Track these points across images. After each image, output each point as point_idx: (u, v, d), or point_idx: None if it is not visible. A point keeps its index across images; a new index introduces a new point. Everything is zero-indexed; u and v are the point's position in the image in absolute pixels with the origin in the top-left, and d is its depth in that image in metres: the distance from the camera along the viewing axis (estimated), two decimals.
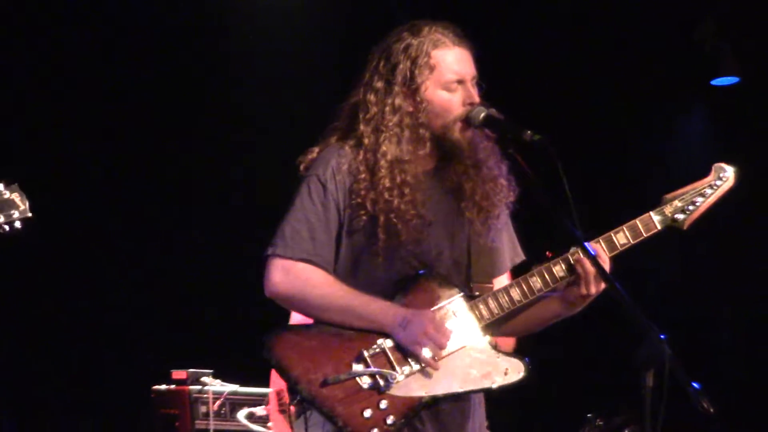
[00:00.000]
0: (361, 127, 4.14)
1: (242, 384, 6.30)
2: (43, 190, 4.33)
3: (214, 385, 6.27)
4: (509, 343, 4.74)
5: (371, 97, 4.15)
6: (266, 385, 6.06)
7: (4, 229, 4.03)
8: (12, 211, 4.04)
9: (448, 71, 4.14)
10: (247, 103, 7.60)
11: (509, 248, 4.35)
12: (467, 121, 4.13)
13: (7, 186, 4.06)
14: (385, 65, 4.16)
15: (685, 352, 3.67)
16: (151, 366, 6.66)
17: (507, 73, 7.41)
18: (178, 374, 6.29)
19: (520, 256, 4.37)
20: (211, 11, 7.39)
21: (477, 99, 4.14)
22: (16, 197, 4.03)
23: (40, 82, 7.14)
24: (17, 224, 4.05)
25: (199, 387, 6.24)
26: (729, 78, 8.17)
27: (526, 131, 3.96)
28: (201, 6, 7.35)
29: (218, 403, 6.20)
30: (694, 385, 3.56)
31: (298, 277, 4.05)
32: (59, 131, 7.19)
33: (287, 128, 7.16)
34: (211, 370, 6.32)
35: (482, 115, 4.11)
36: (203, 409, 6.21)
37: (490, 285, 4.20)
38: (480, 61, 4.22)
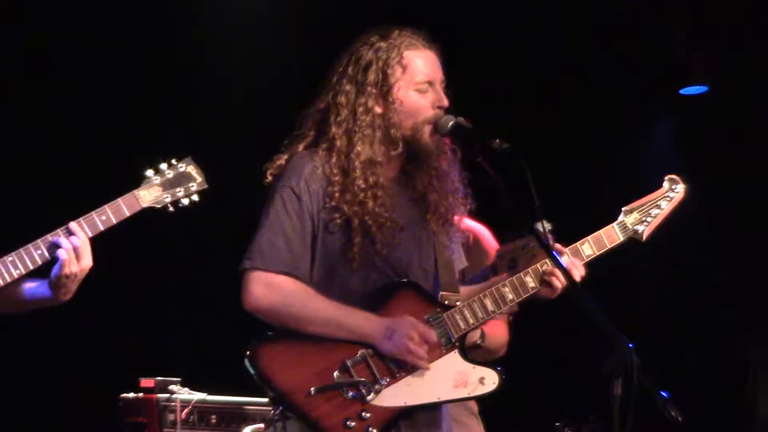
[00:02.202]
0: (333, 129, 4.13)
1: (210, 392, 6.27)
2: None
3: (182, 394, 6.23)
4: (502, 330, 4.78)
5: (342, 99, 4.14)
6: (234, 393, 6.06)
7: (183, 203, 4.02)
8: (190, 184, 4.04)
9: (419, 72, 4.15)
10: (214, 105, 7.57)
11: (459, 261, 4.38)
12: (436, 128, 4.14)
13: (180, 160, 4.04)
14: (355, 68, 4.16)
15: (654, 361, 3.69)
16: (119, 374, 6.61)
17: (477, 81, 7.45)
18: (146, 382, 6.25)
19: (464, 263, 4.41)
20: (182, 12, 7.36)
21: (446, 102, 4.15)
22: (192, 170, 4.03)
23: None
24: (195, 197, 4.04)
25: (167, 395, 6.20)
26: (698, 87, 8.20)
27: (494, 140, 3.98)
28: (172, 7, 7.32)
29: (186, 411, 6.16)
30: (663, 393, 3.58)
31: (279, 290, 4.01)
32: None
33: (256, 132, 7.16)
34: (179, 379, 6.29)
35: (451, 123, 4.13)
36: (171, 417, 6.17)
37: (458, 294, 4.21)
38: (450, 68, 4.23)
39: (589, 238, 4.31)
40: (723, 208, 8.03)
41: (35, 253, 3.87)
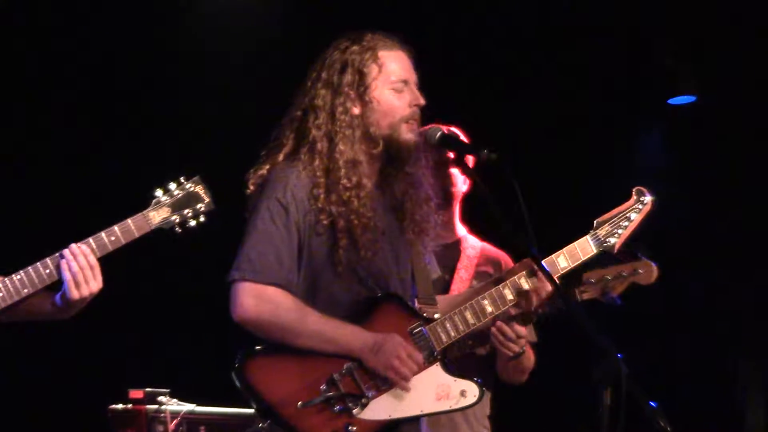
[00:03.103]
0: (313, 132, 4.12)
1: (199, 403, 6.26)
2: None
3: (171, 405, 6.23)
4: (532, 356, 4.79)
5: (319, 103, 4.14)
6: (223, 404, 6.05)
7: (190, 224, 4.01)
8: (198, 205, 4.02)
9: (395, 72, 4.16)
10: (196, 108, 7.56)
11: (432, 266, 4.40)
12: (424, 138, 4.16)
13: (189, 179, 4.03)
14: (330, 72, 4.16)
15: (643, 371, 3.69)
16: (108, 385, 6.60)
17: (462, 90, 7.47)
18: (135, 393, 6.25)
19: (437, 272, 4.42)
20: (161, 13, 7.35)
21: (423, 101, 4.16)
22: (200, 190, 4.01)
23: None
24: (202, 218, 4.03)
25: (156, 406, 6.20)
26: (686, 97, 8.22)
27: (482, 150, 3.98)
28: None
29: (175, 422, 6.16)
30: (651, 403, 3.58)
31: (270, 302, 3.99)
32: None
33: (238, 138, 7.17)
34: (167, 390, 6.29)
35: (438, 134, 4.14)
36: (160, 428, 6.17)
37: (436, 306, 4.22)
38: (440, 78, 4.25)
39: (564, 250, 4.34)
40: (711, 216, 8.05)
41: (44, 272, 3.86)
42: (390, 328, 4.05)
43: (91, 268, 3.88)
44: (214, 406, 6.20)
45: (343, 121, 4.11)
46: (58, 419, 7.29)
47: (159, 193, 3.99)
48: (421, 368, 4.06)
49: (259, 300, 3.98)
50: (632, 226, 4.44)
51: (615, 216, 4.44)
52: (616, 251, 4.42)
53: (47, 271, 3.86)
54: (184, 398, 6.30)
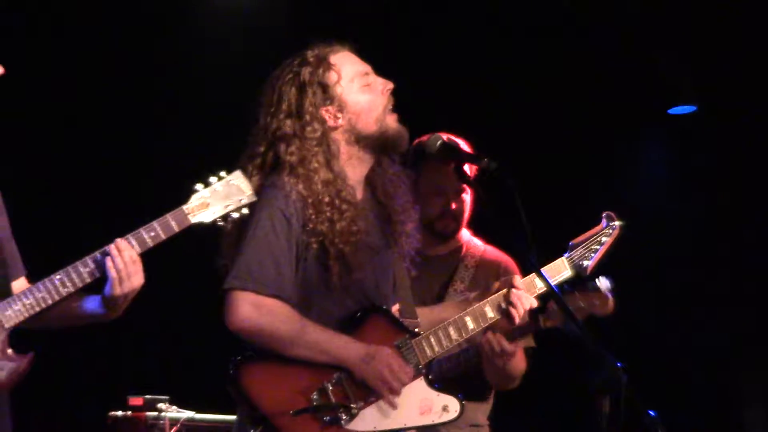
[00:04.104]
0: (287, 159, 4.07)
1: (198, 410, 6.27)
2: None
3: (171, 412, 6.23)
4: (521, 359, 4.80)
5: (287, 131, 4.09)
6: (222, 411, 6.05)
7: (233, 217, 3.96)
8: (240, 197, 3.95)
9: (354, 70, 4.16)
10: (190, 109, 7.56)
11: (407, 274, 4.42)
12: (424, 147, 4.17)
13: (230, 172, 3.98)
14: (288, 99, 4.12)
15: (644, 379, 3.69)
16: (108, 392, 6.61)
17: (466, 100, 7.47)
18: (135, 400, 6.25)
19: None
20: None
21: (391, 83, 4.15)
22: (241, 182, 3.96)
23: None
24: (245, 210, 3.98)
25: (155, 413, 6.20)
26: (686, 107, 8.23)
27: (482, 159, 3.99)
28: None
29: (174, 429, 6.17)
30: (650, 412, 3.58)
31: (268, 312, 3.96)
32: None
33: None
34: (167, 397, 6.29)
35: (438, 143, 4.14)
36: None
37: (417, 320, 4.23)
38: (443, 87, 4.25)
39: (541, 269, 4.37)
40: (712, 226, 8.05)
41: (84, 270, 3.84)
42: (377, 341, 4.05)
43: (133, 263, 3.86)
44: (214, 413, 6.20)
45: (313, 141, 4.08)
46: (58, 426, 7.29)
47: (199, 186, 3.95)
48: (410, 382, 4.07)
49: (257, 310, 3.96)
50: (602, 251, 4.52)
51: (587, 239, 4.51)
52: (588, 273, 4.51)
53: (87, 269, 3.84)
54: (183, 405, 6.30)
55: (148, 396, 6.27)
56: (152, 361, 7.40)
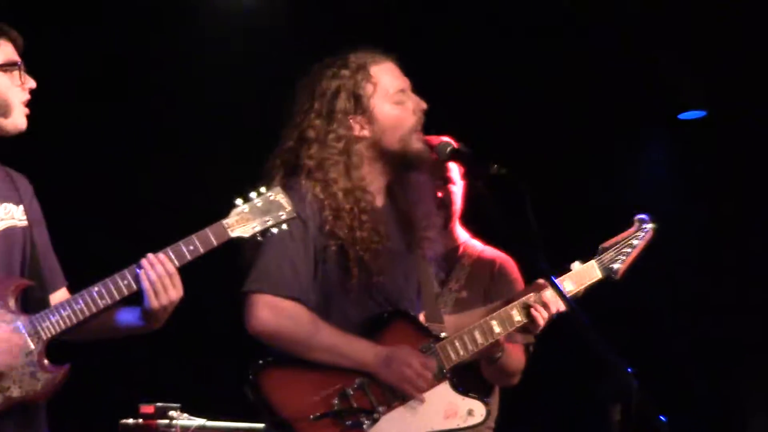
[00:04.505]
0: (305, 162, 4.11)
1: (210, 418, 6.27)
2: None
3: (182, 419, 6.23)
4: (519, 355, 4.79)
5: (311, 134, 4.12)
6: (234, 419, 6.06)
7: (272, 232, 3.96)
8: (280, 213, 3.94)
9: (391, 84, 4.16)
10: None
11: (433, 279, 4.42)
12: (434, 153, 4.17)
13: (269, 188, 3.99)
14: (321, 100, 4.15)
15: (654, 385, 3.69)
16: (119, 399, 6.61)
17: (471, 105, 7.47)
18: (146, 408, 6.25)
19: (435, 287, 4.44)
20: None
21: (425, 104, 4.17)
22: (281, 198, 3.96)
23: None
24: (284, 226, 3.98)
25: (166, 421, 6.20)
26: (696, 111, 8.22)
27: (492, 165, 3.99)
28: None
29: None
30: (662, 418, 3.58)
31: (286, 315, 3.98)
32: None
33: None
34: (178, 404, 6.29)
35: (449, 149, 4.15)
36: None
37: (443, 324, 4.23)
38: (447, 91, 4.25)
39: (569, 274, 4.40)
40: (721, 232, 8.05)
41: (122, 283, 3.85)
42: (401, 344, 4.06)
43: (170, 276, 3.86)
44: (225, 420, 6.20)
45: (334, 149, 4.11)
46: None
47: (239, 201, 3.97)
48: (433, 382, 4.07)
49: (275, 313, 3.98)
50: (634, 254, 4.52)
51: (618, 242, 4.53)
52: (619, 277, 4.50)
53: (125, 282, 3.85)
54: (195, 413, 6.31)
55: (159, 403, 6.27)
56: (164, 369, 7.41)
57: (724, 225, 8.01)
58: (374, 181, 4.17)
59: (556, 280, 4.25)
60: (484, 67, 7.61)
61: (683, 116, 8.30)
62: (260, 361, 4.01)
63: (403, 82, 4.21)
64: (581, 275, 4.43)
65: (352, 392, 3.97)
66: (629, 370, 3.62)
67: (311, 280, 4.05)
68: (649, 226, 4.57)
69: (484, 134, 4.86)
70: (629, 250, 4.52)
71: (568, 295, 4.28)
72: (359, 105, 4.13)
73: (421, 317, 4.25)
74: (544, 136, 7.95)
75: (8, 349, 3.77)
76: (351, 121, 4.12)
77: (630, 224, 4.57)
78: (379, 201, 4.19)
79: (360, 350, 4.00)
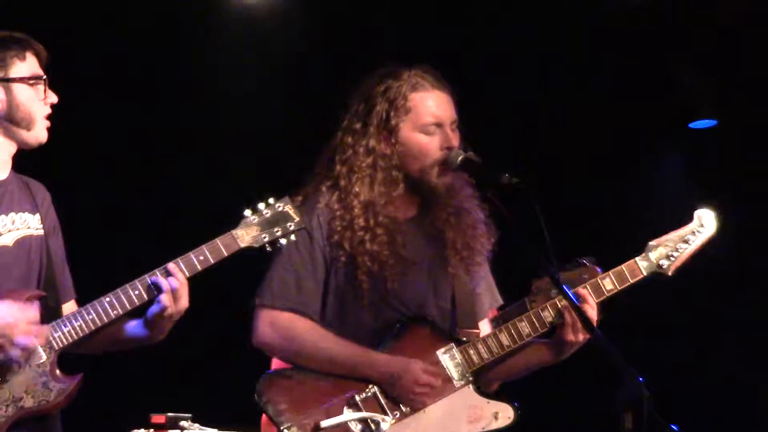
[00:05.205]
0: (337, 168, 4.17)
1: (221, 428, 6.26)
2: None
3: (193, 430, 6.22)
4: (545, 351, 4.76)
5: (348, 139, 4.18)
6: (245, 429, 6.03)
7: (281, 243, 4.00)
8: (288, 223, 4.00)
9: (426, 114, 4.17)
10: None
11: (488, 294, 4.39)
12: (446, 164, 4.17)
13: (278, 199, 4.04)
14: (364, 108, 4.20)
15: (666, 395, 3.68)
16: (129, 409, 6.61)
17: (484, 116, 7.46)
18: (157, 418, 6.23)
19: (498, 302, 4.41)
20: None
21: (455, 143, 4.17)
22: (289, 209, 4.01)
23: None
24: (293, 237, 4.02)
25: (177, 431, 6.20)
26: (707, 121, 8.21)
27: (504, 175, 4.00)
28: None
29: None
30: (673, 427, 3.57)
31: (284, 328, 4.05)
32: None
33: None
34: (189, 415, 6.28)
35: (460, 158, 4.16)
36: None
37: (477, 330, 4.22)
38: (461, 102, 4.25)
39: (610, 272, 4.33)
40: (733, 242, 8.02)
41: (133, 293, 3.89)
42: (419, 350, 4.08)
43: (181, 286, 3.89)
44: (237, 431, 6.20)
45: (364, 161, 4.15)
46: None
47: (248, 212, 3.99)
48: (450, 385, 4.06)
49: (274, 326, 4.07)
50: (691, 250, 4.41)
51: (672, 238, 4.41)
52: (670, 274, 4.39)
53: (136, 292, 3.89)
54: (206, 423, 6.30)
55: (170, 414, 6.26)
56: (175, 379, 7.41)
57: (745, 238, 7.98)
58: (402, 195, 4.17)
59: (598, 277, 4.23)
60: (496, 76, 7.61)
61: (694, 125, 8.26)
62: (269, 371, 4.03)
63: (443, 116, 4.21)
64: (623, 274, 4.34)
65: (362, 400, 3.98)
66: (641, 379, 3.61)
67: (318, 290, 4.09)
68: (712, 221, 4.45)
69: (496, 143, 4.85)
70: (684, 245, 4.40)
71: (608, 294, 4.25)
72: (388, 123, 4.14)
73: (483, 325, 4.19)
74: (555, 146, 7.94)
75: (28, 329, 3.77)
76: (380, 136, 4.13)
77: (685, 217, 4.45)
78: (407, 213, 4.20)
79: (362, 366, 4.03)
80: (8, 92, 3.98)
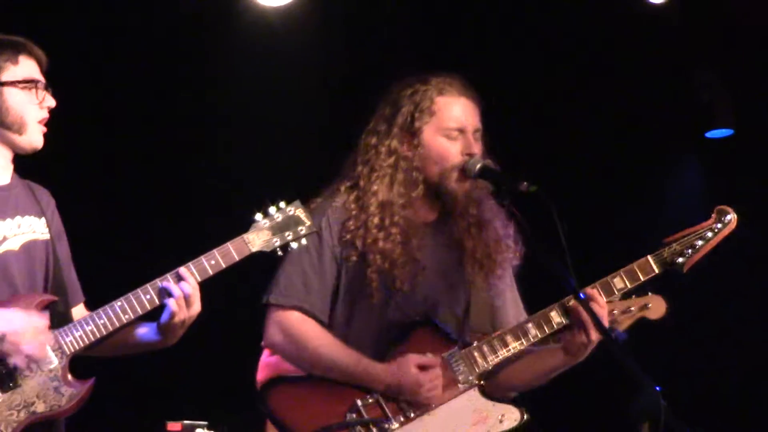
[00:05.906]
0: (359, 168, 4.19)
1: None
2: None
3: None
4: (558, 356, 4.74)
5: (372, 140, 4.21)
6: None
7: (292, 247, 4.01)
8: (299, 227, 4.00)
9: (450, 119, 4.19)
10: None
11: (513, 308, 4.38)
12: (464, 171, 4.17)
13: (289, 203, 4.04)
14: (390, 110, 4.22)
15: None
16: (146, 417, 6.62)
17: (503, 123, 7.46)
18: (173, 426, 6.26)
19: (524, 316, 4.38)
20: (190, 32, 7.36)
21: (476, 150, 4.18)
22: (300, 213, 4.01)
23: None
24: (304, 240, 4.03)
25: None
26: (723, 130, 8.19)
27: (522, 182, 4.00)
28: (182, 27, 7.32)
29: None
30: None
31: (289, 330, 4.09)
32: None
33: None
34: (205, 422, 6.30)
35: (478, 166, 4.16)
36: None
37: (489, 336, 4.21)
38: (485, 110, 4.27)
39: (621, 271, 4.28)
40: (750, 251, 8.00)
41: (144, 298, 3.89)
42: (425, 353, 4.06)
43: (193, 290, 3.90)
44: None
45: (385, 161, 4.17)
46: None
47: (258, 216, 4.00)
48: (455, 388, 4.06)
49: (280, 328, 4.13)
50: (707, 247, 4.34)
51: (687, 235, 4.35)
52: (685, 271, 4.33)
53: (148, 297, 3.89)
54: (222, 430, 6.31)
55: (186, 421, 6.28)
56: (191, 386, 7.41)
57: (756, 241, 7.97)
58: (422, 198, 4.18)
59: (606, 277, 4.21)
60: (514, 85, 7.61)
61: (710, 135, 8.25)
62: (273, 376, 4.05)
63: (465, 123, 4.23)
64: (634, 271, 4.30)
65: (364, 404, 3.99)
66: (657, 388, 3.60)
67: (325, 290, 4.12)
68: (730, 216, 4.39)
69: (513, 151, 4.84)
70: (700, 242, 4.33)
71: (619, 293, 4.23)
72: (412, 125, 4.15)
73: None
74: (572, 154, 7.94)
75: (35, 339, 3.76)
76: (403, 137, 4.15)
77: (708, 216, 4.39)
78: (427, 217, 4.21)
79: (363, 376, 4.07)
80: None
